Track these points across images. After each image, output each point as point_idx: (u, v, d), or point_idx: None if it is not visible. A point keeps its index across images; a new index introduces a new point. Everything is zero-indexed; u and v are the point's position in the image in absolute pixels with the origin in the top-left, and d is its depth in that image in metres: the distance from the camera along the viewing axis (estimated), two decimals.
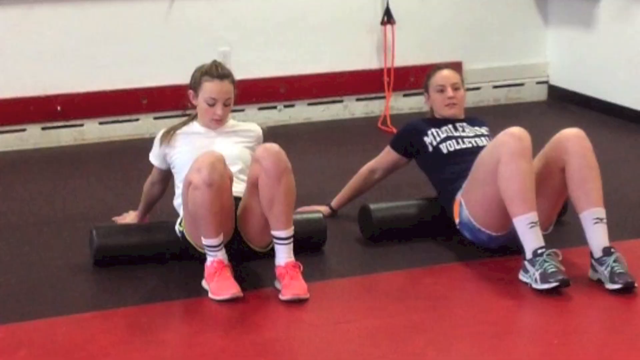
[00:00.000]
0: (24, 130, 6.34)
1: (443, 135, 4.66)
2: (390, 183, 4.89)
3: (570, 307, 3.79)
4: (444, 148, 4.63)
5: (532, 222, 3.97)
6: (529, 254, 3.96)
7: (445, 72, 4.76)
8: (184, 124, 4.46)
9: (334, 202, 4.88)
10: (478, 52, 7.22)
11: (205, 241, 3.96)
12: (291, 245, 3.96)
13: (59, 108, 6.35)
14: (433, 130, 4.69)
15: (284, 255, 3.94)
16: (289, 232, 3.95)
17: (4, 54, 6.25)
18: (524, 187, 4.01)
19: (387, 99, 6.87)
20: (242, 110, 6.69)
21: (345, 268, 4.23)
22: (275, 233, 3.96)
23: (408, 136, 4.78)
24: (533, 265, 3.92)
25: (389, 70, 6.89)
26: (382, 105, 6.85)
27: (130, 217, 4.67)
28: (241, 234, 4.15)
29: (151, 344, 3.56)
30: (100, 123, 6.39)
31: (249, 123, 4.56)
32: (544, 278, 3.87)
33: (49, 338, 3.61)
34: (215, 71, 4.34)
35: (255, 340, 3.58)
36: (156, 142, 4.44)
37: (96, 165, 5.92)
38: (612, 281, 3.90)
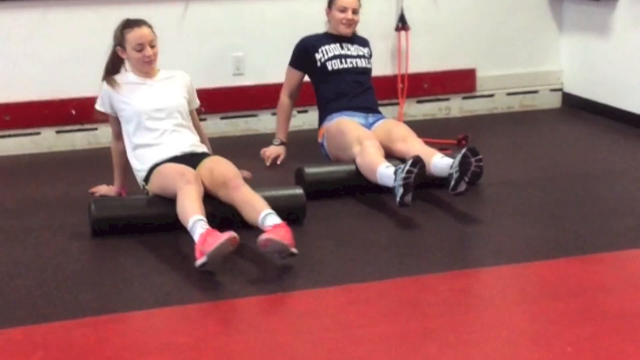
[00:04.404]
0: (38, 133, 6.37)
1: (330, 54, 5.66)
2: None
3: (585, 315, 3.79)
4: (329, 65, 5.64)
5: (388, 165, 4.85)
6: (393, 178, 4.70)
7: None
8: (116, 73, 4.86)
9: (281, 136, 5.85)
10: (492, 59, 7.23)
11: (190, 219, 4.16)
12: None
13: (73, 112, 6.38)
14: (323, 47, 5.68)
15: (272, 221, 4.22)
16: (269, 208, 4.28)
17: (19, 58, 6.28)
18: (374, 159, 5.00)
19: (401, 105, 6.87)
20: (255, 115, 6.71)
21: (358, 274, 4.24)
22: (260, 215, 4.24)
23: (302, 53, 5.73)
24: (396, 178, 4.65)
25: (402, 76, 6.90)
26: (396, 111, 6.86)
27: (104, 190, 5.07)
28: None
29: (165, 348, 3.58)
30: None
31: (177, 70, 4.96)
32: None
33: (64, 340, 3.62)
34: (132, 22, 4.83)
35: (268, 345, 3.59)
36: (104, 88, 4.82)
37: (110, 168, 5.92)
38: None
